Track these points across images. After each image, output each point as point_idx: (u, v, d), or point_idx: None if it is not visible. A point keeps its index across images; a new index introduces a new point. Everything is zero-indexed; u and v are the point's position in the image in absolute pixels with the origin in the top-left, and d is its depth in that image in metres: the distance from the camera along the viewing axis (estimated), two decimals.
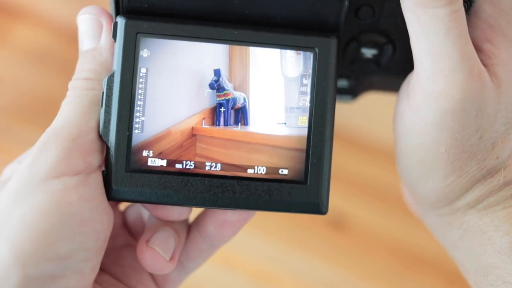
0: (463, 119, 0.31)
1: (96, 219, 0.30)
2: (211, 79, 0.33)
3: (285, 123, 0.33)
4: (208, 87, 0.33)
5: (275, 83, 0.33)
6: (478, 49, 0.32)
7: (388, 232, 0.72)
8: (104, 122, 0.32)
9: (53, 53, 0.85)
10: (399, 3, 0.32)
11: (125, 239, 0.38)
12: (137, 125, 0.32)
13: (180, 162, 0.32)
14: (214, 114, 0.33)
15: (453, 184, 0.33)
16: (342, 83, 0.38)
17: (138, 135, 0.32)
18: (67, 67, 0.85)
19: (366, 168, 0.76)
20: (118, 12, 0.33)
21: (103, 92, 0.32)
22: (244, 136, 0.33)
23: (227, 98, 0.33)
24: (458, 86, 0.30)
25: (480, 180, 0.33)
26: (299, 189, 0.33)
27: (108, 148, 0.32)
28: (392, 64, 0.37)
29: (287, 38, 0.33)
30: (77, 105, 0.31)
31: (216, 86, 0.33)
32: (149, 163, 0.32)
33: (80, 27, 0.34)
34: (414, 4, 0.30)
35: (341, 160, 0.77)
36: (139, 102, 0.32)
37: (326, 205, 0.33)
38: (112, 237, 0.36)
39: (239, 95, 0.33)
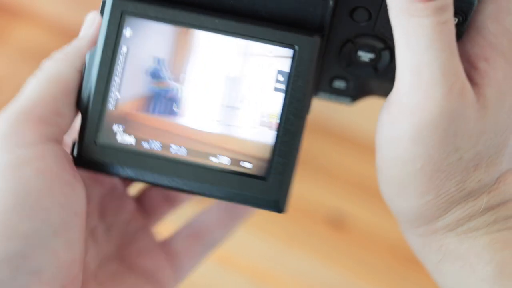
0: (440, 136, 0.30)
1: (57, 192, 0.30)
2: (153, 66, 0.33)
3: (219, 120, 0.33)
4: (149, 74, 0.33)
5: (215, 80, 0.33)
6: (473, 66, 0.31)
7: (388, 232, 0.72)
8: (82, 94, 0.33)
9: (51, 52, 0.84)
10: None
11: (140, 223, 0.38)
12: (111, 100, 0.33)
13: (147, 141, 0.33)
14: (149, 102, 0.33)
15: (431, 203, 0.31)
16: (340, 84, 0.38)
17: (111, 111, 0.33)
18: None
19: (366, 168, 0.76)
20: None
21: (84, 65, 0.33)
22: (180, 130, 0.33)
23: (163, 87, 0.33)
24: (435, 101, 0.29)
25: (460, 202, 0.32)
26: (260, 184, 0.32)
27: (82, 119, 0.33)
28: (390, 71, 0.36)
29: (268, 33, 0.32)
30: (34, 82, 0.32)
31: (156, 74, 0.33)
32: (119, 139, 0.33)
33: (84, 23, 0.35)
34: (399, 11, 0.29)
35: (340, 160, 0.76)
36: (116, 79, 0.33)
37: (286, 204, 0.33)
38: (127, 222, 0.37)
39: (175, 86, 0.33)
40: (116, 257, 0.36)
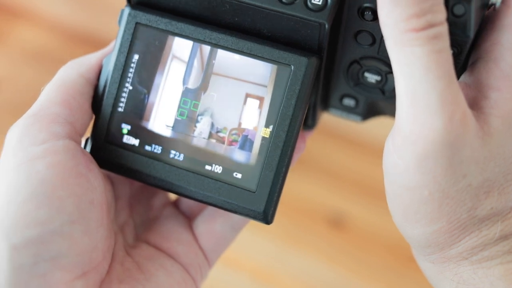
0: (445, 164, 0.29)
1: (71, 182, 0.31)
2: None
3: (172, 127, 0.35)
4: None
5: (174, 90, 0.35)
6: (484, 95, 0.31)
7: (387, 231, 0.72)
8: (95, 96, 0.36)
9: (51, 52, 0.85)
10: None
11: (170, 211, 0.40)
12: (121, 104, 0.35)
13: (150, 145, 0.35)
14: (128, 100, 0.36)
15: (443, 230, 0.31)
16: (349, 102, 0.39)
17: (120, 113, 0.35)
18: None
19: (366, 168, 0.76)
20: (129, 2, 0.36)
21: (101, 69, 0.36)
22: None
23: (131, 88, 0.36)
24: (436, 131, 0.29)
25: (474, 230, 0.31)
26: (248, 195, 0.34)
27: (95, 119, 0.36)
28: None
29: (267, 51, 0.34)
30: (46, 88, 0.35)
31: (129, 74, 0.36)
32: (125, 140, 0.35)
33: None
34: (393, 42, 0.29)
35: (341, 160, 0.77)
36: (127, 84, 0.35)
37: (272, 215, 0.34)
38: (160, 209, 0.39)
39: (140, 90, 0.36)
40: (145, 242, 0.37)
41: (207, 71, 0.35)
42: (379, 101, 0.38)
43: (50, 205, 0.30)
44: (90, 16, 0.87)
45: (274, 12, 0.33)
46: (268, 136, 0.34)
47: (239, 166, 0.34)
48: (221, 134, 0.35)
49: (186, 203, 0.40)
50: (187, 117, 0.35)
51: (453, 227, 0.31)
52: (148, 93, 0.35)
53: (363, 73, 0.36)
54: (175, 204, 0.40)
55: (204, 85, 0.35)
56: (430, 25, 0.28)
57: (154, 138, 0.35)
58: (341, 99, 0.39)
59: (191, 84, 0.35)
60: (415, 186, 0.30)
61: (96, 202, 0.32)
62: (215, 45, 0.34)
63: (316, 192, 0.75)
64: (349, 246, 0.72)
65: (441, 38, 0.28)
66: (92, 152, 0.35)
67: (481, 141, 0.30)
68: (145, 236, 0.38)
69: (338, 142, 0.78)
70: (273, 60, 0.34)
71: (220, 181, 0.34)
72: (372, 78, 0.36)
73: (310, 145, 0.39)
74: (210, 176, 0.34)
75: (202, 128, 0.35)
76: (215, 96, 0.35)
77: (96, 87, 0.36)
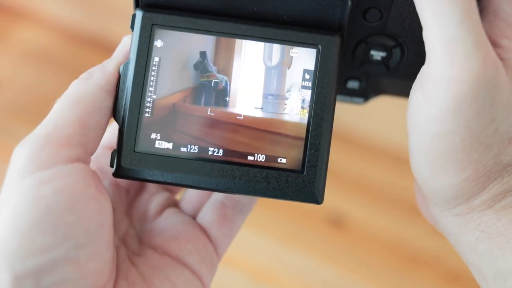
0: (478, 106, 0.30)
1: (80, 206, 0.30)
2: (196, 60, 0.35)
3: (261, 108, 0.34)
4: (192, 67, 0.35)
5: (256, 71, 0.35)
6: (496, 44, 0.32)
7: (387, 231, 0.72)
8: (118, 105, 0.34)
9: (52, 53, 0.85)
10: (406, 7, 0.33)
11: (171, 212, 0.39)
12: (147, 109, 0.34)
13: (185, 146, 0.34)
14: (197, 93, 0.35)
15: (470, 178, 0.32)
16: (353, 84, 0.40)
17: (148, 119, 0.34)
18: (66, 67, 0.85)
19: (365, 168, 0.76)
20: (137, 5, 0.35)
21: (119, 77, 0.34)
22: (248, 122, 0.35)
23: (210, 79, 0.35)
24: (472, 72, 0.30)
25: (497, 177, 0.32)
26: (296, 177, 0.34)
27: (120, 129, 0.34)
28: (401, 68, 0.37)
29: (292, 35, 0.34)
30: (59, 103, 0.33)
31: (201, 67, 0.35)
32: (157, 145, 0.34)
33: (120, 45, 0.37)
34: None
35: (341, 160, 0.77)
36: (150, 88, 0.34)
37: (322, 195, 0.34)
38: (160, 212, 0.39)
39: (221, 78, 0.35)
40: (150, 247, 0.37)
41: (285, 46, 0.35)
42: (382, 79, 0.39)
43: (56, 231, 0.29)
44: (91, 17, 0.88)
45: None
46: (306, 117, 0.34)
47: (282, 150, 0.34)
48: None
49: (188, 201, 0.40)
50: (275, 96, 0.35)
51: (479, 175, 0.32)
52: (229, 80, 0.34)
53: (369, 51, 0.37)
54: (175, 204, 0.40)
55: (286, 61, 0.35)
56: None
57: (188, 138, 0.34)
58: (345, 82, 0.40)
59: (273, 62, 0.35)
60: (447, 132, 0.31)
61: (105, 223, 0.31)
62: (240, 36, 0.34)
63: None
64: (349, 246, 0.72)
65: None
66: (123, 165, 0.34)
67: (509, 85, 0.31)
68: (149, 240, 0.37)
69: (338, 143, 0.78)
70: (301, 43, 0.34)
71: (265, 169, 0.34)
72: (378, 55, 0.37)
73: None
74: (254, 166, 0.34)
75: (292, 104, 0.34)
76: (300, 70, 0.35)
77: (116, 97, 0.34)
